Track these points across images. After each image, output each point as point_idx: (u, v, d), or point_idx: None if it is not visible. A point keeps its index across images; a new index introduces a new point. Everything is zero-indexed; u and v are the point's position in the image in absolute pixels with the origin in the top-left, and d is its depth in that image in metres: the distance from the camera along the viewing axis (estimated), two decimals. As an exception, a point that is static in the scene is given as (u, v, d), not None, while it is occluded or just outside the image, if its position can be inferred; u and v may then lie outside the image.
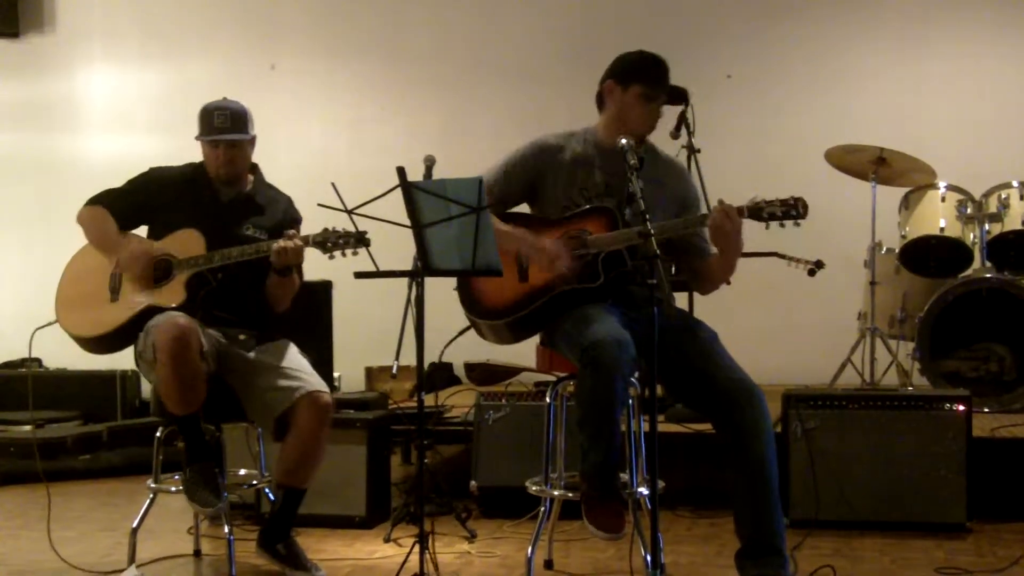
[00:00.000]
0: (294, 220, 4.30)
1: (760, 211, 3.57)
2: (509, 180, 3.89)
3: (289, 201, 4.35)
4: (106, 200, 4.18)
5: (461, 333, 4.02)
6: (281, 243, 3.95)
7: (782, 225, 3.59)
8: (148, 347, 3.85)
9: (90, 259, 4.16)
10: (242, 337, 4.06)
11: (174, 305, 3.98)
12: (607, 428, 3.46)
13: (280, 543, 3.99)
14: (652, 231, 3.25)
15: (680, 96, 3.82)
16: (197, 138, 4.17)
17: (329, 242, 3.92)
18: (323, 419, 3.95)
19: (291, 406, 3.91)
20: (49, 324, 4.08)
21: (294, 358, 4.10)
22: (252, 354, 4.06)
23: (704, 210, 3.94)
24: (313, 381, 4.00)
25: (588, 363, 3.44)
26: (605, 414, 3.45)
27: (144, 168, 4.28)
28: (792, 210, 3.56)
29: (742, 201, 3.64)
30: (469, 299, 3.88)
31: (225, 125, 4.12)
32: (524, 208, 4.02)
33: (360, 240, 3.87)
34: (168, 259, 4.06)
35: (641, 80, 3.82)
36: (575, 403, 3.65)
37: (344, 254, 3.92)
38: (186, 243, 4.06)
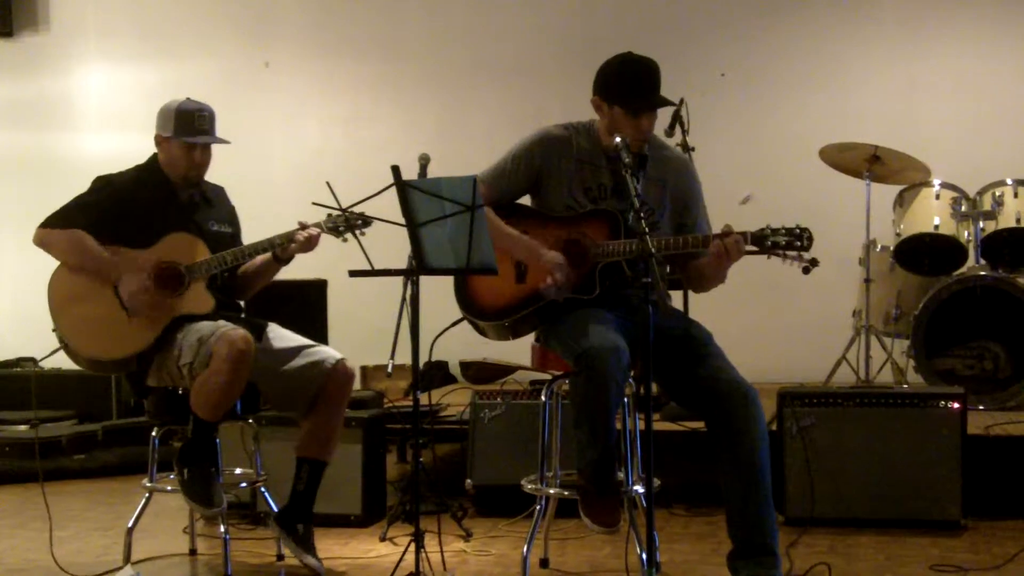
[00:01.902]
0: (233, 208, 4.38)
1: (764, 240, 3.53)
2: (515, 172, 3.83)
3: (223, 190, 4.39)
4: (76, 218, 4.03)
5: (452, 325, 4.01)
6: (305, 233, 4.02)
7: (783, 257, 3.55)
8: (203, 355, 3.83)
9: (76, 280, 4.04)
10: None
11: (207, 311, 4.00)
12: (602, 429, 3.47)
13: (301, 523, 4.05)
14: (647, 231, 3.22)
15: (669, 104, 3.72)
16: (172, 138, 4.10)
17: (340, 227, 4.01)
18: (350, 385, 4.12)
19: (324, 379, 4.01)
20: (53, 352, 4.07)
21: (294, 336, 4.17)
22: (257, 345, 4.07)
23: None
24: (330, 351, 4.12)
25: (582, 370, 3.45)
26: (600, 416, 3.46)
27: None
28: (797, 240, 3.51)
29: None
30: (465, 298, 3.88)
31: (205, 127, 4.13)
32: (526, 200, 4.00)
33: (365, 222, 3.98)
34: (172, 266, 4.02)
35: (621, 102, 3.68)
36: (571, 404, 3.65)
37: (355, 235, 3.97)
38: (184, 248, 4.05)
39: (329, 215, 4.00)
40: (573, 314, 3.66)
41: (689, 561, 4.16)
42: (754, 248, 3.58)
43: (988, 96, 6.78)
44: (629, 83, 3.69)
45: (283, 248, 4.08)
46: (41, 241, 4.07)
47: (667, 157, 3.88)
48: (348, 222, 3.98)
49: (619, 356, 3.42)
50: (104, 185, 4.13)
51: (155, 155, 4.20)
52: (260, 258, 4.20)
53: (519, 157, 3.85)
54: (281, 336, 4.16)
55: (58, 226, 4.04)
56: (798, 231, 3.52)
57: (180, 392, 3.96)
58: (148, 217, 4.08)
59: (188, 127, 4.10)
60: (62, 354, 4.10)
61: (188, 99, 4.17)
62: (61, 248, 4.05)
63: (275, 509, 4.18)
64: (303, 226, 4.05)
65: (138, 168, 4.21)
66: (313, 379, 4.03)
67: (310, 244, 4.04)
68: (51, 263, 4.10)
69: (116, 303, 4.00)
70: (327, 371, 4.04)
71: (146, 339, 3.97)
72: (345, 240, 4.02)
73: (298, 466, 4.09)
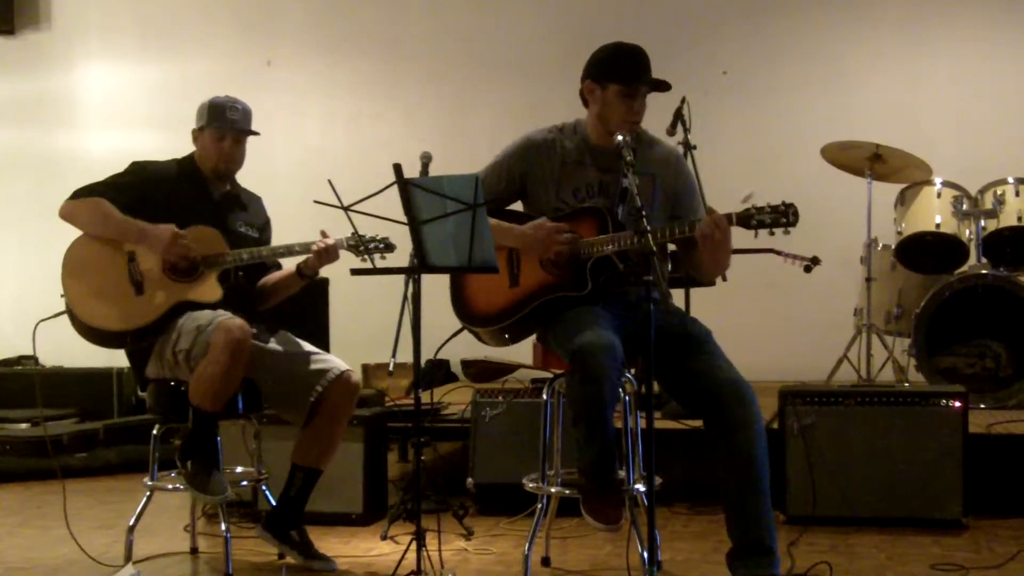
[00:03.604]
0: (268, 219, 4.41)
1: (749, 219, 3.50)
2: (500, 180, 3.88)
3: (261, 200, 4.44)
4: (104, 192, 4.08)
5: (457, 333, 4.03)
6: (321, 245, 4.04)
7: (771, 233, 3.51)
8: (200, 344, 3.86)
9: (93, 250, 4.07)
10: (255, 331, 4.07)
11: (213, 301, 4.02)
12: (599, 427, 3.46)
13: (294, 529, 4.07)
14: (647, 229, 3.22)
15: (663, 87, 3.74)
16: (205, 128, 4.16)
17: (362, 246, 4.05)
18: (353, 398, 4.11)
19: (326, 388, 4.01)
20: (55, 316, 4.06)
21: (305, 344, 4.19)
22: (268, 346, 4.10)
23: (700, 200, 3.91)
24: (338, 362, 4.11)
25: (576, 369, 3.45)
26: (596, 415, 3.45)
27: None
28: (782, 217, 3.47)
29: (738, 195, 3.61)
30: (461, 305, 3.90)
31: (237, 119, 4.20)
32: (518, 206, 4.01)
33: (388, 246, 4.07)
34: (189, 253, 4.05)
35: (617, 79, 3.72)
36: (567, 403, 3.65)
37: (374, 258, 3.99)
38: (204, 240, 4.08)
39: (354, 233, 4.03)
40: (569, 313, 3.67)
41: (690, 560, 4.16)
42: (750, 246, 3.57)
43: (989, 94, 6.79)
44: (624, 60, 3.76)
45: (307, 264, 4.11)
46: (66, 212, 4.09)
47: (656, 151, 3.90)
48: (370, 243, 4.02)
49: (613, 353, 3.42)
50: (138, 169, 4.19)
51: (194, 152, 4.27)
52: (283, 272, 4.25)
53: (502, 166, 3.91)
54: (291, 342, 4.18)
55: (80, 197, 4.09)
56: (783, 207, 3.48)
57: (182, 388, 3.96)
58: (176, 208, 4.12)
59: (219, 117, 4.16)
60: (64, 352, 4.10)
61: (227, 96, 4.23)
62: (84, 216, 4.08)
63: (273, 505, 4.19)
64: (324, 235, 4.07)
65: (176, 160, 4.28)
66: (315, 386, 4.04)
67: (328, 255, 4.06)
68: (54, 261, 4.10)
69: (126, 277, 4.04)
70: (331, 381, 4.04)
71: (147, 316, 4.00)
72: (364, 260, 4.06)
73: (292, 472, 4.11)
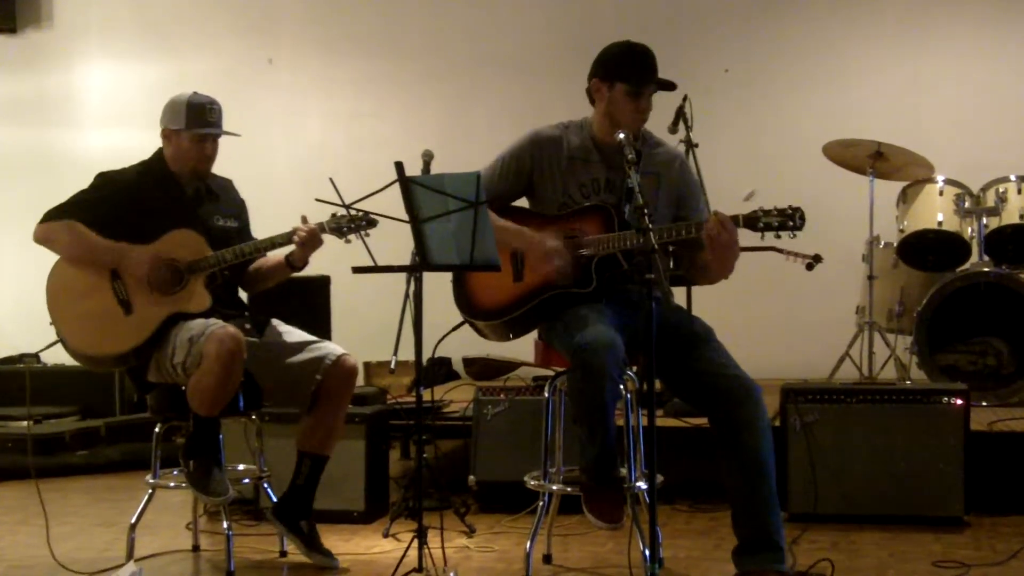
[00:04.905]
0: (242, 202, 4.35)
1: (756, 221, 3.50)
2: (507, 175, 3.87)
3: (232, 183, 4.38)
4: (76, 213, 4.02)
5: (455, 328, 4.02)
6: (303, 233, 3.99)
7: (778, 236, 3.52)
8: (194, 355, 3.83)
9: (75, 274, 4.02)
10: (247, 326, 4.07)
11: (203, 309, 3.98)
12: (601, 424, 3.47)
13: (304, 519, 4.07)
14: (650, 226, 3.22)
15: (669, 86, 3.76)
16: (183, 131, 4.08)
17: (344, 227, 3.98)
18: (352, 381, 4.11)
19: (325, 374, 4.01)
20: (50, 346, 4.06)
21: (297, 332, 4.18)
22: (261, 341, 4.10)
23: (703, 202, 3.92)
24: (333, 347, 4.11)
25: (578, 366, 3.46)
26: (598, 412, 3.46)
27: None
28: (789, 220, 3.48)
29: (740, 193, 3.62)
30: (464, 299, 3.89)
31: (214, 120, 4.14)
32: (523, 202, 4.01)
33: (369, 222, 3.96)
34: (172, 262, 4.02)
35: (624, 78, 3.74)
36: (569, 401, 3.66)
37: (360, 237, 3.95)
38: (185, 244, 4.03)
39: (333, 215, 3.98)
40: (571, 310, 3.66)
41: (692, 557, 4.16)
42: (752, 244, 3.57)
43: (991, 92, 6.78)
44: (632, 60, 3.77)
45: (294, 255, 4.08)
46: (40, 237, 4.06)
47: (660, 152, 3.90)
48: (352, 222, 3.95)
49: (614, 351, 3.42)
50: (106, 182, 4.12)
51: (160, 150, 4.19)
52: (272, 260, 4.22)
53: (509, 160, 3.89)
54: (284, 331, 4.16)
55: (52, 220, 4.04)
56: (790, 211, 3.50)
57: (183, 388, 3.95)
58: (151, 213, 4.07)
59: (200, 120, 4.10)
60: (61, 351, 4.10)
61: (196, 93, 4.16)
62: (60, 241, 4.04)
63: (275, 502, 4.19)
64: (304, 220, 4.04)
65: (142, 164, 4.20)
66: (314, 374, 4.04)
67: (312, 242, 4.02)
68: (53, 260, 4.09)
69: (112, 298, 3.99)
70: (328, 366, 4.04)
71: (139, 336, 3.96)
72: (349, 241, 4.00)
73: (299, 460, 4.11)
